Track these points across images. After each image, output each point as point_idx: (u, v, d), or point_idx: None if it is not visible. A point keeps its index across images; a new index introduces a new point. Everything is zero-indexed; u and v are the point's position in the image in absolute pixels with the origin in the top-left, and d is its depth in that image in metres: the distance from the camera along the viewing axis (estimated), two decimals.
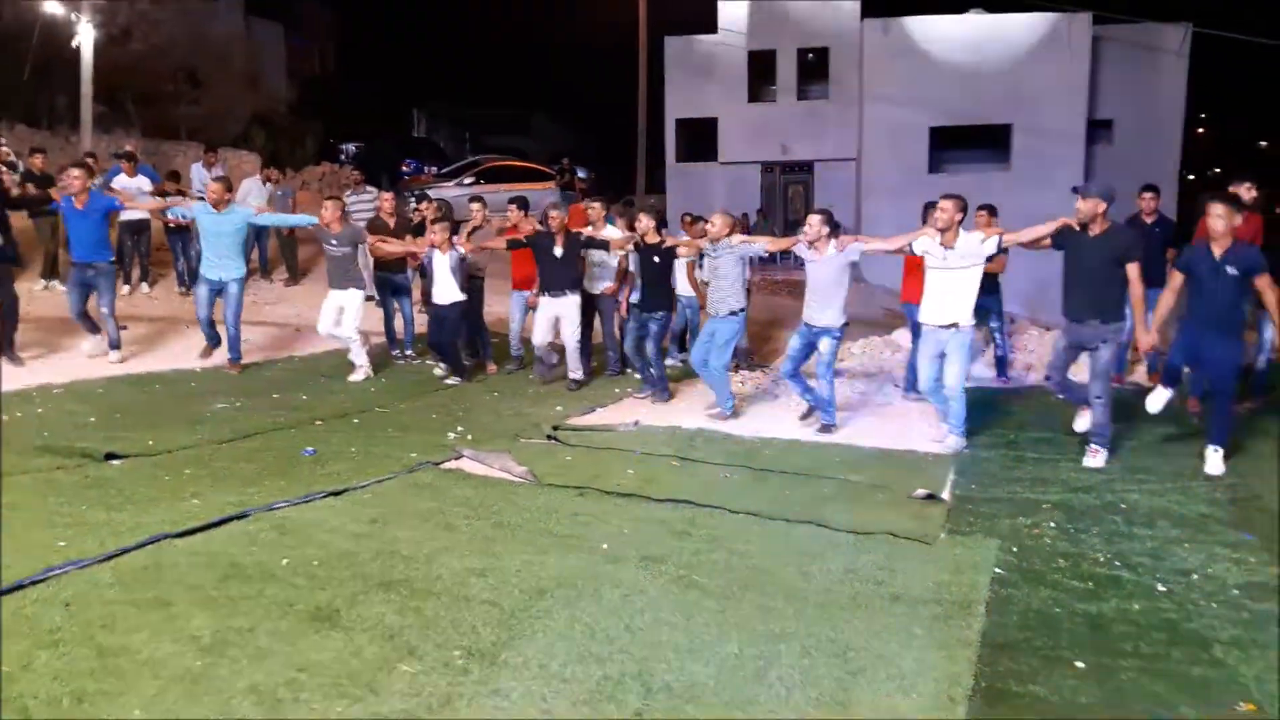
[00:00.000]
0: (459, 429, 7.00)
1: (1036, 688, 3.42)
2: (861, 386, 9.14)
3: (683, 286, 9.49)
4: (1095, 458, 6.31)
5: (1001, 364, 9.13)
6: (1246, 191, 7.37)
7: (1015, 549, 4.80)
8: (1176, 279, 6.29)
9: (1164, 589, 4.34)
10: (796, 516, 5.24)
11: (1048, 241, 6.52)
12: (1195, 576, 4.46)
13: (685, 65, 26.23)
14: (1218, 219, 5.98)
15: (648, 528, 4.97)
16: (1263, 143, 58.11)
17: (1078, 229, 6.26)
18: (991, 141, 24.06)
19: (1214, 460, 6.11)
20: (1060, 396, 6.98)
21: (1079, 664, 3.61)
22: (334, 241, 8.92)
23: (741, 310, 7.65)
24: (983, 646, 3.74)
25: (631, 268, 8.92)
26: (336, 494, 5.25)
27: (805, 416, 7.47)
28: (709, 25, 26.19)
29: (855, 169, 25.21)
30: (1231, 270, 5.96)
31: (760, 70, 26.09)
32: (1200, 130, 54.83)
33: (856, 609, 4.09)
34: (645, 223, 8.33)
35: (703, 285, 8.81)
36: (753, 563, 4.54)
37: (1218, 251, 6.02)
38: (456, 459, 6.19)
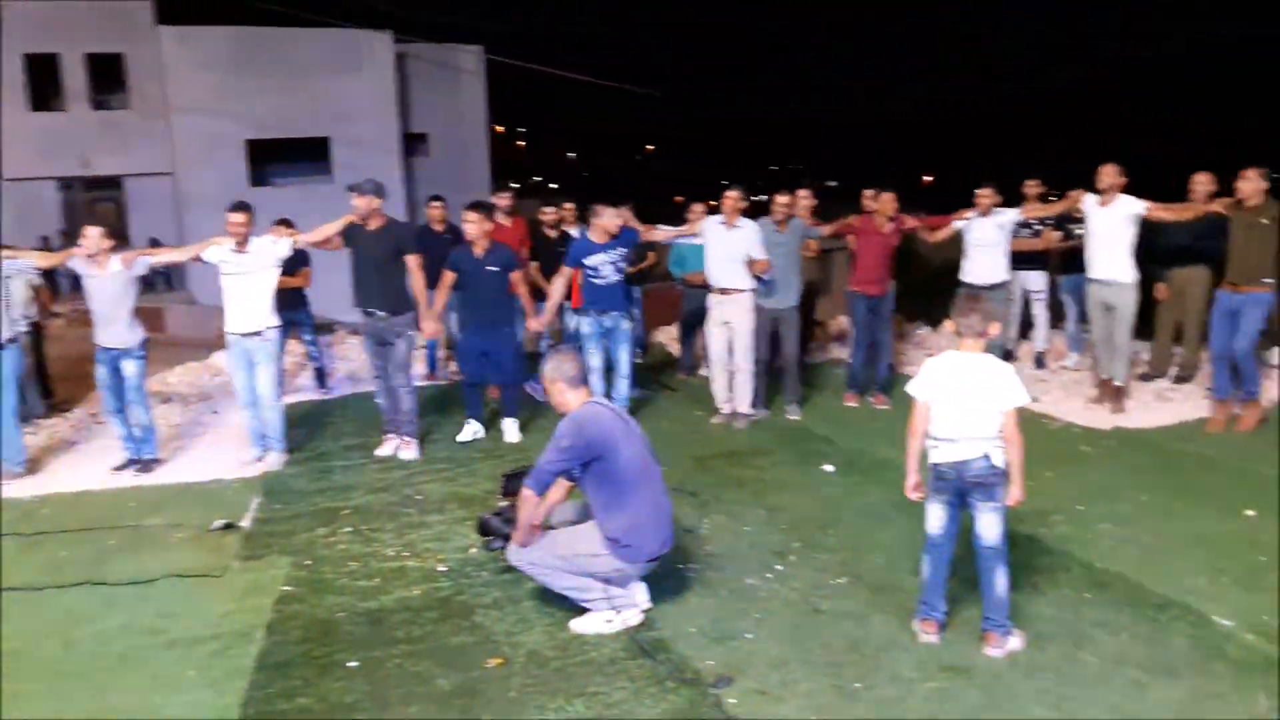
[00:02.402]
0: None
1: (305, 699, 3.44)
2: (177, 417, 8.50)
3: None
4: (409, 450, 6.73)
5: (321, 375, 9.18)
6: (500, 200, 8.38)
7: (309, 562, 4.81)
8: (448, 276, 6.87)
9: (444, 569, 4.68)
10: (69, 580, 4.64)
11: (338, 241, 6.71)
12: (473, 551, 4.89)
13: None
14: (469, 224, 6.71)
15: None
16: (571, 154, 67.68)
17: (360, 225, 6.56)
18: (314, 154, 24.23)
19: (511, 429, 7.02)
20: (379, 401, 7.17)
21: (352, 663, 3.71)
22: None
23: (12, 342, 6.61)
24: (258, 671, 3.66)
25: None
26: None
27: (121, 467, 6.67)
28: None
29: (172, 183, 23.57)
30: (491, 268, 6.70)
31: (42, 75, 22.98)
32: (521, 143, 62.24)
33: (126, 667, 3.75)
34: None
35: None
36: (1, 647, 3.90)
37: (478, 252, 6.73)
38: None
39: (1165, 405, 7.33)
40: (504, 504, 4.51)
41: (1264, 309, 6.56)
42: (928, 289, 9.69)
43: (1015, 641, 3.72)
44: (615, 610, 3.94)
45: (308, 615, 4.17)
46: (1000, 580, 3.71)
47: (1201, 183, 7.36)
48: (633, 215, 8.45)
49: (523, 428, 7.15)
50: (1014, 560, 3.86)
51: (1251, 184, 6.47)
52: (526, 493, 3.96)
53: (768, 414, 7.49)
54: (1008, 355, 7.97)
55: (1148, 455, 6.23)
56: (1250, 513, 5.06)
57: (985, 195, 7.73)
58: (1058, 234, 8.21)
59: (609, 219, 6.85)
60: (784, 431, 7.12)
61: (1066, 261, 8.36)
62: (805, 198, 8.25)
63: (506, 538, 4.26)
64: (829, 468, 6.13)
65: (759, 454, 6.52)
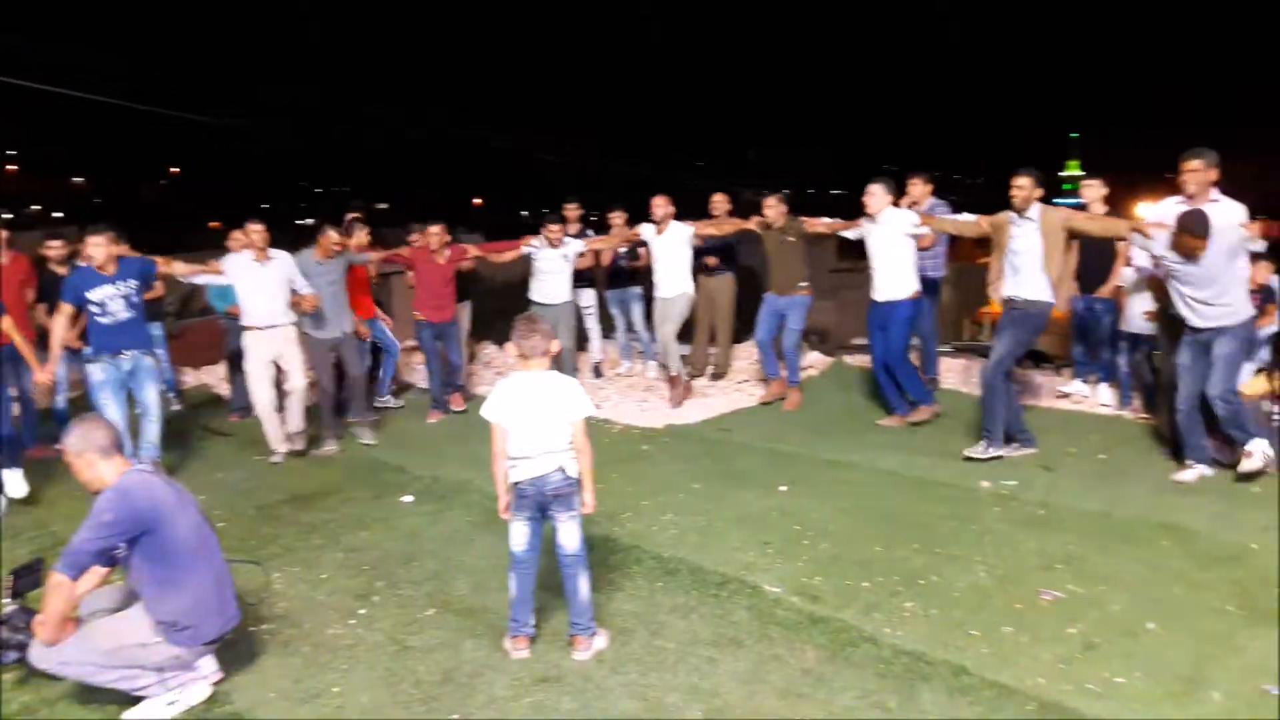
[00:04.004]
0: None
1: None
2: None
3: None
4: None
5: None
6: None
7: None
8: None
9: None
10: None
11: None
12: None
13: None
14: None
15: None
16: (78, 179, 59.81)
17: None
18: None
19: (13, 482, 6.08)
20: None
21: None
22: None
23: None
24: None
25: None
26: None
27: None
28: None
29: None
30: None
31: None
32: (12, 168, 53.87)
33: None
34: None
35: None
36: None
37: None
38: None
39: (706, 401, 8.13)
40: (12, 607, 3.73)
41: (804, 310, 7.69)
42: (492, 310, 9.88)
43: (601, 641, 3.86)
44: (177, 689, 3.48)
45: None
46: (583, 585, 3.83)
47: (719, 202, 8.39)
48: (127, 245, 7.60)
49: (33, 499, 6.18)
50: (592, 562, 4.01)
51: (774, 209, 7.60)
52: (58, 579, 3.32)
53: (338, 449, 7.17)
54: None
55: (696, 447, 6.85)
56: (783, 488, 5.76)
57: (553, 231, 8.08)
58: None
59: (94, 246, 6.06)
60: (356, 466, 6.83)
61: (611, 278, 9.02)
62: (358, 221, 8.13)
63: (20, 648, 3.57)
64: (407, 498, 5.98)
65: (331, 494, 6.18)
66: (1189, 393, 5.54)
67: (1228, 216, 5.46)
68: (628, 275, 8.95)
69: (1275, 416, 5.82)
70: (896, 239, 6.76)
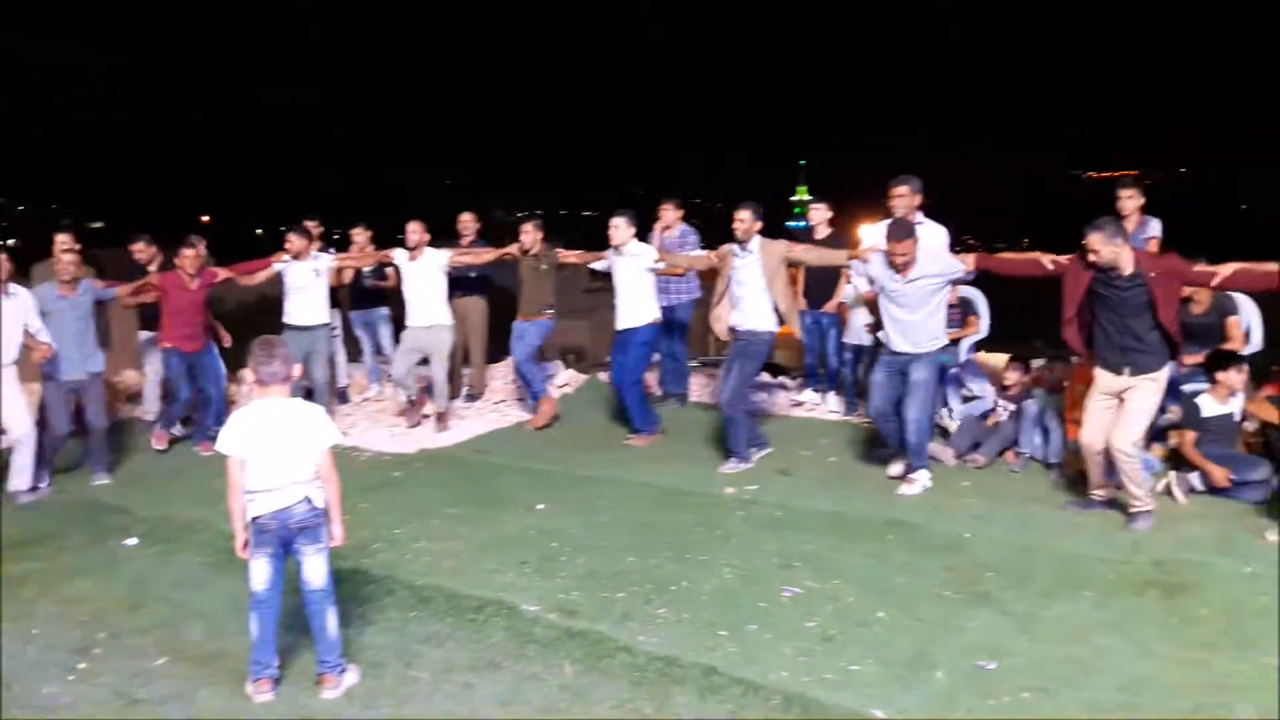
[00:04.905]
0: None
1: None
2: None
3: None
4: None
5: None
6: None
7: None
8: None
9: None
10: None
11: None
12: None
13: None
14: None
15: None
16: None
17: None
18: None
19: None
20: None
21: None
22: None
23: None
24: None
25: None
26: None
27: None
28: None
29: None
30: None
31: None
32: None
33: None
34: None
35: None
36: None
37: None
38: None
39: (462, 423, 8.02)
40: None
41: (543, 330, 7.76)
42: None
43: (351, 677, 3.71)
44: None
45: None
46: (331, 621, 3.66)
47: (466, 222, 8.36)
48: None
49: None
50: (341, 596, 3.84)
51: (530, 235, 7.64)
52: None
53: (49, 492, 6.48)
54: (309, 394, 7.99)
55: (451, 470, 6.74)
56: (540, 506, 5.78)
57: (292, 241, 7.68)
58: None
59: None
60: (71, 510, 6.18)
61: (356, 299, 8.72)
62: (65, 244, 7.36)
63: None
64: (131, 541, 5.48)
65: (42, 541, 5.55)
66: (878, 406, 5.99)
67: (932, 238, 6.05)
68: (374, 295, 8.69)
69: (1008, 409, 6.44)
70: (638, 271, 7.05)
